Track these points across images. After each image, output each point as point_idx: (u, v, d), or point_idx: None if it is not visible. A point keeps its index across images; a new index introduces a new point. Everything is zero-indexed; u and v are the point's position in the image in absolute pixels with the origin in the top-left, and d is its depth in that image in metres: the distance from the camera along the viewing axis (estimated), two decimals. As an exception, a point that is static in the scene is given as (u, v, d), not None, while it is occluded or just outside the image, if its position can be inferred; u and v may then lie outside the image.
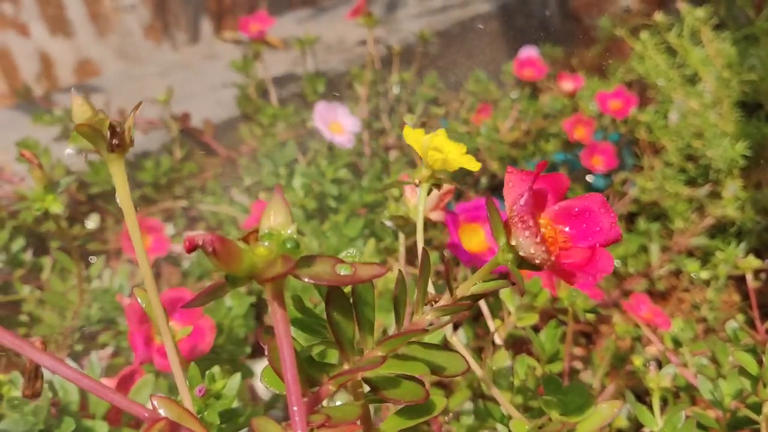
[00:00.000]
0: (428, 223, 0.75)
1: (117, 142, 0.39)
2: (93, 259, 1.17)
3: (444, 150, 0.52)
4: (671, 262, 1.21)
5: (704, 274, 1.10)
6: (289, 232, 0.35)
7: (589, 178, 1.42)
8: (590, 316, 0.82)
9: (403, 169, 1.29)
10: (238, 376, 0.59)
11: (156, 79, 1.75)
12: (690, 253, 1.24)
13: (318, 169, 1.18)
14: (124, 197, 0.39)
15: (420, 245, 0.50)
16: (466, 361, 0.43)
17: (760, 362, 0.60)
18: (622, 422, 0.83)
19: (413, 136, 0.53)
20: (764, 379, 0.58)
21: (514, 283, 0.43)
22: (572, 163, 1.43)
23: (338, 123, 1.23)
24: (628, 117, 1.40)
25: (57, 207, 0.72)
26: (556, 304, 0.81)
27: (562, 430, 0.52)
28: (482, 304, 0.77)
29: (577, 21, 2.06)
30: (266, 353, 0.40)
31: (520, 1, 1.98)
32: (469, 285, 0.44)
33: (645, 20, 1.45)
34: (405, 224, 0.70)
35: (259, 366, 1.00)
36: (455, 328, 0.64)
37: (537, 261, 0.39)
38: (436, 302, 0.45)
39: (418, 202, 0.53)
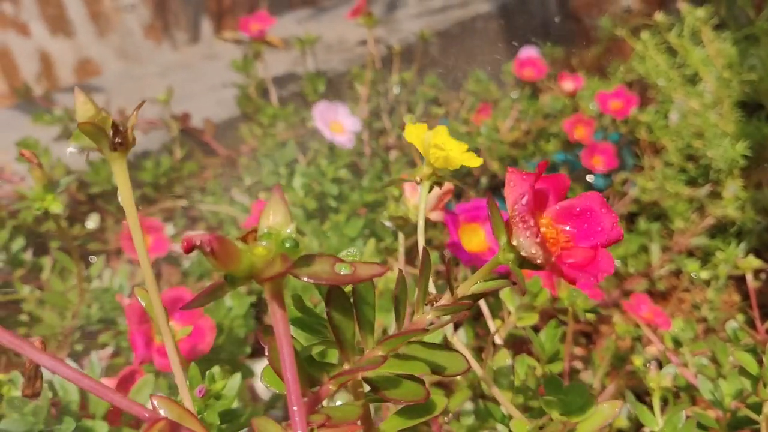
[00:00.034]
0: (428, 223, 0.75)
1: (120, 141, 0.39)
2: (93, 259, 1.17)
3: (446, 148, 0.52)
4: (671, 262, 1.21)
5: (704, 274, 1.10)
6: (287, 231, 0.34)
7: (589, 178, 1.42)
8: (590, 316, 0.82)
9: (403, 169, 1.29)
10: (238, 377, 0.59)
11: (156, 78, 1.75)
12: (690, 253, 1.23)
13: (318, 168, 1.18)
14: (126, 196, 0.39)
15: (421, 244, 0.50)
16: (467, 361, 0.43)
17: (760, 362, 0.60)
18: (623, 422, 0.83)
19: (415, 133, 0.53)
20: (764, 379, 0.58)
21: (514, 283, 0.43)
22: (572, 163, 1.43)
23: (339, 123, 1.23)
24: (628, 117, 1.40)
25: (57, 207, 0.72)
26: (556, 304, 0.81)
27: (563, 430, 0.52)
28: (482, 304, 0.77)
29: (578, 21, 2.06)
30: (266, 353, 0.40)
31: (520, 1, 1.98)
32: (469, 284, 0.44)
33: (645, 20, 1.45)
34: (404, 224, 0.70)
35: (259, 366, 1.00)
36: (455, 327, 0.64)
37: (538, 261, 0.39)
38: (436, 302, 0.45)
39: (419, 200, 0.52)
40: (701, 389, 0.65)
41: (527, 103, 1.46)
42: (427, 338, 0.45)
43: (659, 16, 1.38)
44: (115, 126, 0.38)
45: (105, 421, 0.65)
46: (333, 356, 0.53)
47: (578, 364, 1.02)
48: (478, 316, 1.01)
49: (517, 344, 0.94)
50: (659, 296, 1.22)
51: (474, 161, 0.52)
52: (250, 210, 1.19)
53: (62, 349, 0.95)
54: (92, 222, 1.25)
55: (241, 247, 0.33)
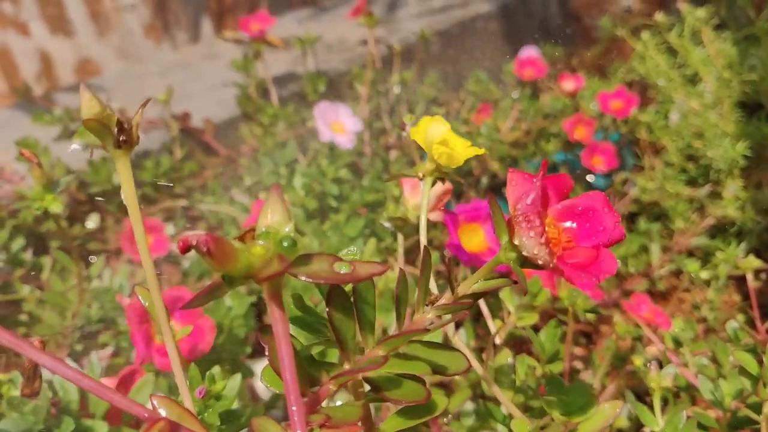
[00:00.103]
0: (428, 223, 0.75)
1: (124, 138, 0.38)
2: (93, 258, 1.17)
3: (450, 144, 0.52)
4: (672, 262, 1.21)
5: (705, 274, 1.10)
6: (286, 230, 0.34)
7: (589, 178, 1.42)
8: (590, 316, 0.82)
9: (404, 169, 1.29)
10: (238, 377, 0.59)
11: (156, 78, 1.75)
12: (690, 253, 1.23)
13: (319, 168, 1.18)
14: (129, 194, 0.39)
15: (423, 242, 0.50)
16: (468, 360, 0.43)
17: (760, 362, 0.60)
18: (623, 422, 0.83)
19: (418, 130, 0.53)
20: (764, 378, 0.58)
21: (515, 282, 0.42)
22: (573, 163, 1.43)
23: (340, 123, 1.23)
24: (628, 117, 1.40)
25: (57, 206, 0.72)
26: (557, 304, 0.81)
27: (564, 430, 0.52)
28: (482, 304, 0.77)
29: (578, 21, 2.06)
30: (266, 353, 0.40)
31: (521, 1, 1.98)
32: (470, 283, 0.44)
33: (646, 20, 1.45)
34: (404, 225, 0.69)
35: (260, 366, 1.00)
36: (456, 327, 0.64)
37: (540, 261, 0.39)
38: (437, 301, 0.45)
39: (422, 196, 0.52)
40: (701, 389, 0.65)
41: (528, 103, 1.46)
42: (427, 338, 0.45)
43: (659, 17, 1.38)
44: (119, 124, 0.38)
45: (105, 420, 0.65)
46: (333, 356, 0.52)
47: (578, 364, 1.02)
48: (478, 317, 1.01)
49: (517, 344, 0.94)
50: (659, 296, 1.22)
51: (477, 151, 0.52)
52: (250, 210, 1.19)
53: (62, 349, 0.95)
54: (92, 222, 1.24)
55: (239, 246, 0.33)
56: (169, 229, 1.16)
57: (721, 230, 1.21)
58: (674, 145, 1.30)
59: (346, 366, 0.43)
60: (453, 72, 1.78)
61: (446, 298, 0.44)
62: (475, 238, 0.85)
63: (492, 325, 0.76)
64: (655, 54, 1.38)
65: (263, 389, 1.04)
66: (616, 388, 0.86)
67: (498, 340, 0.75)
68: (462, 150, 0.52)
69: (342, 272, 0.35)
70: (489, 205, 0.41)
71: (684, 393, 0.75)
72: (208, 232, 0.31)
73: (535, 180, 0.40)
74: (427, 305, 0.44)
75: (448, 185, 0.69)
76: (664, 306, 1.20)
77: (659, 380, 0.64)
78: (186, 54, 1.93)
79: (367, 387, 0.44)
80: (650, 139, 1.37)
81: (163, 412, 0.37)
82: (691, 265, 1.12)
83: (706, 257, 1.20)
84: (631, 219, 1.34)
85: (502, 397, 0.57)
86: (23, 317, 1.04)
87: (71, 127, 1.41)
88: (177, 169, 1.36)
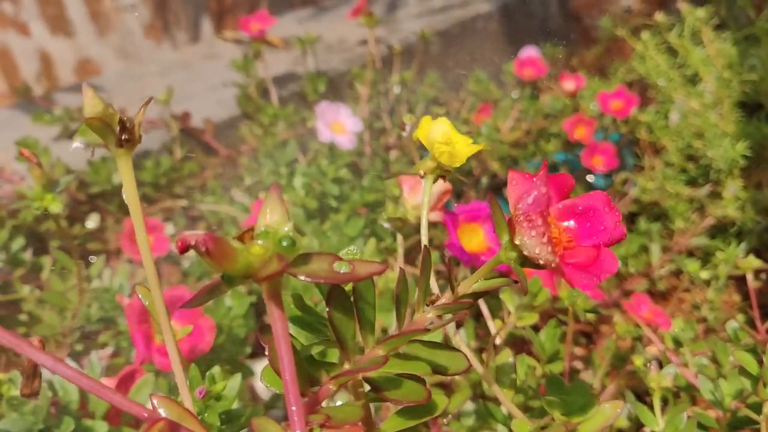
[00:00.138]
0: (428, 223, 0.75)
1: (126, 137, 0.38)
2: (93, 258, 1.17)
3: (452, 142, 0.52)
4: (672, 262, 1.21)
5: (705, 274, 1.10)
6: (285, 230, 0.34)
7: (589, 178, 1.42)
8: (591, 316, 0.82)
9: (404, 169, 1.29)
10: (238, 377, 0.59)
11: (156, 78, 1.75)
12: (690, 253, 1.23)
13: (319, 168, 1.18)
14: (131, 193, 0.39)
15: (424, 241, 0.50)
16: (468, 360, 0.43)
17: (760, 362, 0.59)
18: (623, 422, 0.83)
19: (421, 128, 0.53)
20: (764, 378, 0.58)
21: (515, 282, 0.42)
22: (573, 163, 1.43)
23: (340, 123, 1.23)
24: (628, 117, 1.40)
25: (56, 206, 0.72)
26: (557, 304, 0.81)
27: (565, 430, 0.52)
28: (482, 304, 0.77)
29: (578, 21, 2.06)
30: (266, 353, 0.40)
31: (521, 1, 1.98)
32: (470, 283, 0.44)
33: (646, 20, 1.45)
34: (403, 226, 0.69)
35: (260, 366, 1.00)
36: (457, 327, 0.64)
37: (541, 261, 0.39)
38: (437, 301, 0.45)
39: (423, 194, 0.52)
40: (701, 389, 0.65)
41: (528, 103, 1.46)
42: (427, 338, 0.45)
43: (659, 17, 1.38)
44: (122, 122, 0.38)
45: (105, 420, 0.65)
46: (333, 356, 0.52)
47: (578, 364, 1.02)
48: (478, 317, 1.01)
49: (517, 344, 0.94)
50: (659, 296, 1.22)
51: (479, 147, 0.52)
52: (250, 210, 1.19)
53: (62, 349, 0.95)
54: (92, 222, 1.24)
55: (238, 246, 0.33)
56: (169, 229, 1.16)
57: (721, 230, 1.21)
58: (674, 145, 1.30)
59: (346, 366, 0.43)
60: (453, 72, 1.78)
61: (446, 297, 0.44)
62: (474, 238, 0.85)
63: (492, 325, 0.76)
64: (655, 54, 1.38)
65: (263, 389, 1.04)
66: (616, 388, 0.86)
67: (498, 340, 0.75)
68: (464, 148, 0.52)
69: (341, 272, 0.35)
70: (489, 205, 0.41)
71: (684, 393, 0.75)
72: (207, 231, 0.31)
73: (536, 179, 0.39)
74: (427, 305, 0.44)
75: (447, 185, 0.69)
76: (664, 306, 1.20)
77: (659, 380, 0.64)
78: (186, 54, 1.93)
79: (367, 387, 0.44)
80: (650, 139, 1.37)
81: (163, 412, 0.37)
82: (691, 265, 1.12)
83: (706, 257, 1.20)
84: (631, 219, 1.34)
85: (503, 397, 0.57)
86: (23, 317, 1.04)
87: (71, 127, 1.41)
88: (177, 169, 1.36)
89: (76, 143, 0.38)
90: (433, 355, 0.43)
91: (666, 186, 1.26)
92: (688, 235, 1.21)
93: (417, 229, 0.53)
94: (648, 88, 1.45)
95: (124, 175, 0.39)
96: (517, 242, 0.40)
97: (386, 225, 0.70)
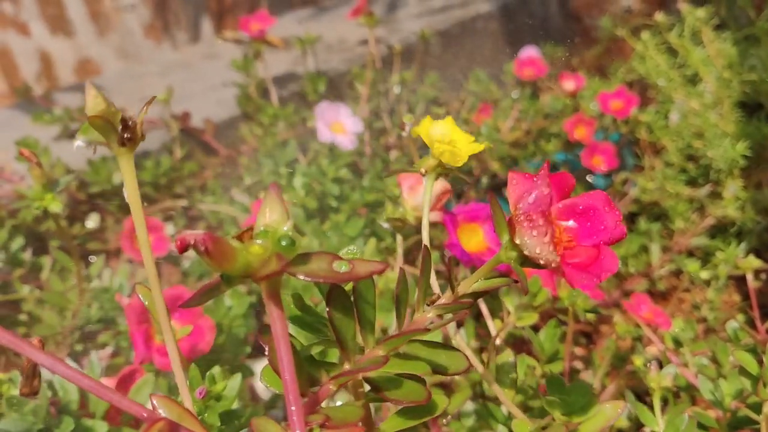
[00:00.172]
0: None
1: (129, 136, 0.38)
2: (93, 258, 1.17)
3: (453, 141, 0.52)
4: (672, 262, 1.21)
5: (704, 274, 1.10)
6: (284, 229, 0.34)
7: (589, 178, 1.42)
8: (590, 316, 0.82)
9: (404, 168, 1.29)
10: (238, 377, 0.59)
11: (156, 78, 1.75)
12: (690, 253, 1.23)
13: (319, 168, 1.18)
14: (132, 192, 0.39)
15: (425, 240, 0.49)
16: (468, 360, 0.43)
17: (760, 362, 0.59)
18: (623, 422, 0.83)
19: (422, 127, 0.53)
20: (764, 378, 0.58)
21: (515, 282, 0.42)
22: (573, 163, 1.43)
23: (340, 123, 1.23)
24: (629, 117, 1.40)
25: (56, 206, 0.72)
26: (557, 304, 0.81)
27: (566, 431, 0.51)
28: (482, 304, 0.77)
29: (578, 21, 2.06)
30: (266, 353, 0.40)
31: (521, 1, 1.98)
32: (470, 282, 0.44)
33: (646, 20, 1.45)
34: (402, 226, 0.69)
35: (259, 366, 1.00)
36: (457, 327, 0.64)
37: (542, 261, 0.39)
38: (437, 301, 0.45)
39: (424, 192, 0.52)
40: (701, 389, 0.65)
41: (528, 103, 1.46)
42: (427, 338, 0.45)
43: (659, 17, 1.38)
44: (124, 121, 0.38)
45: (104, 420, 0.65)
46: (333, 356, 0.52)
47: (578, 364, 1.02)
48: (478, 317, 1.01)
49: (517, 344, 0.94)
50: (659, 296, 1.22)
51: (481, 147, 0.52)
52: (250, 210, 1.19)
53: (62, 349, 0.95)
54: (92, 221, 1.24)
55: (237, 245, 0.33)
56: (169, 228, 1.16)
57: (721, 230, 1.21)
58: (674, 145, 1.30)
59: (346, 366, 0.43)
60: (453, 72, 1.78)
61: (446, 297, 0.44)
62: (474, 238, 0.85)
63: (492, 325, 0.76)
64: (655, 54, 1.38)
65: (263, 389, 1.04)
66: (616, 388, 0.86)
67: (498, 340, 0.75)
68: (465, 146, 0.52)
69: (341, 271, 0.34)
70: (490, 204, 0.41)
71: (684, 393, 0.75)
72: (207, 231, 0.31)
73: (537, 179, 0.39)
74: (427, 305, 0.44)
75: (447, 185, 0.69)
76: (664, 306, 1.20)
77: (659, 380, 0.64)
78: (186, 54, 1.93)
79: (367, 387, 0.44)
80: (650, 139, 1.37)
81: (162, 412, 0.37)
82: (691, 265, 1.12)
83: (706, 257, 1.20)
84: (631, 219, 1.34)
85: (503, 397, 0.57)
86: (23, 317, 1.04)
87: (71, 126, 1.41)
88: (177, 169, 1.36)
89: (79, 141, 0.38)
90: (433, 355, 0.43)
91: (666, 186, 1.26)
92: (688, 235, 1.21)
93: (417, 229, 0.53)
94: (648, 88, 1.45)
95: (126, 174, 0.39)
96: (517, 242, 0.40)
97: (385, 225, 0.70)
